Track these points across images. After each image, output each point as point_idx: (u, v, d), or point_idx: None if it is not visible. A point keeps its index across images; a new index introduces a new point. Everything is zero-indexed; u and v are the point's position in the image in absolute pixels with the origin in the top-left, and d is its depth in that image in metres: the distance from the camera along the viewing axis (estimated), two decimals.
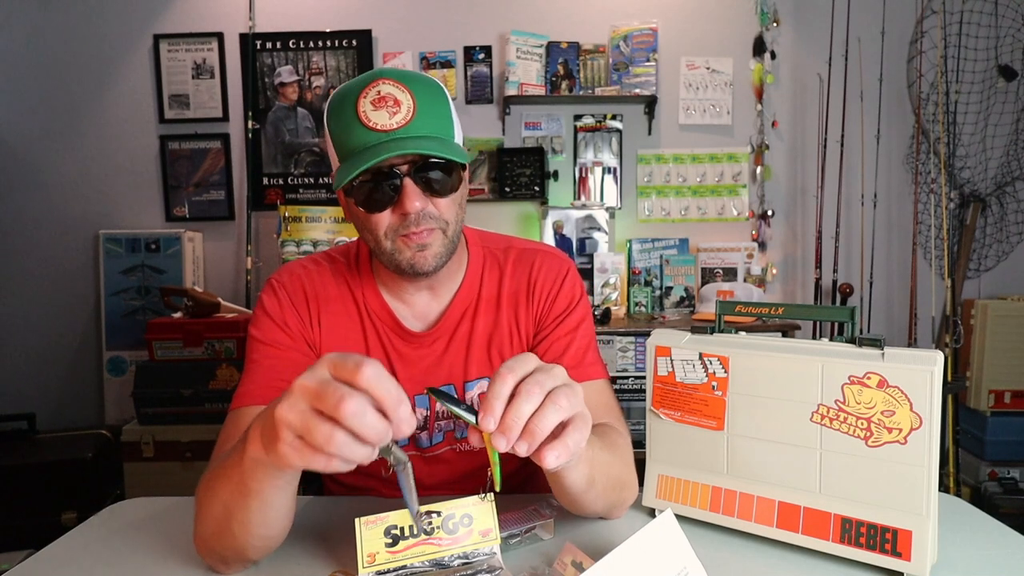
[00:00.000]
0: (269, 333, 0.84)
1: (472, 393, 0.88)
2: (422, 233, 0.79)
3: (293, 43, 2.69)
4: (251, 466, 0.58)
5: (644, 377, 1.79)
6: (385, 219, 0.79)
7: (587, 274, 2.58)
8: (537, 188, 2.65)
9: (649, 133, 2.74)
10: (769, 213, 2.71)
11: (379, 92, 0.76)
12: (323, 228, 2.48)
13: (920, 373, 0.63)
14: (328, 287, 0.89)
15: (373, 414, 0.49)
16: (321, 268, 0.91)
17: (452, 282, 0.90)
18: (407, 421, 0.50)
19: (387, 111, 0.76)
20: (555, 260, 0.94)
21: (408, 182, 0.77)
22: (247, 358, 0.84)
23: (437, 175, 0.78)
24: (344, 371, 0.50)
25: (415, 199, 0.77)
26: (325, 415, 0.49)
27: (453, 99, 2.66)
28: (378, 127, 0.75)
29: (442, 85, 0.82)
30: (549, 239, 2.60)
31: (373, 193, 0.78)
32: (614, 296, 2.61)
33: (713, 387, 0.75)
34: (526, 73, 2.62)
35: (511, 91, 2.60)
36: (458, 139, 0.82)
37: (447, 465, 0.90)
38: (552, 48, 2.64)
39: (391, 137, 0.75)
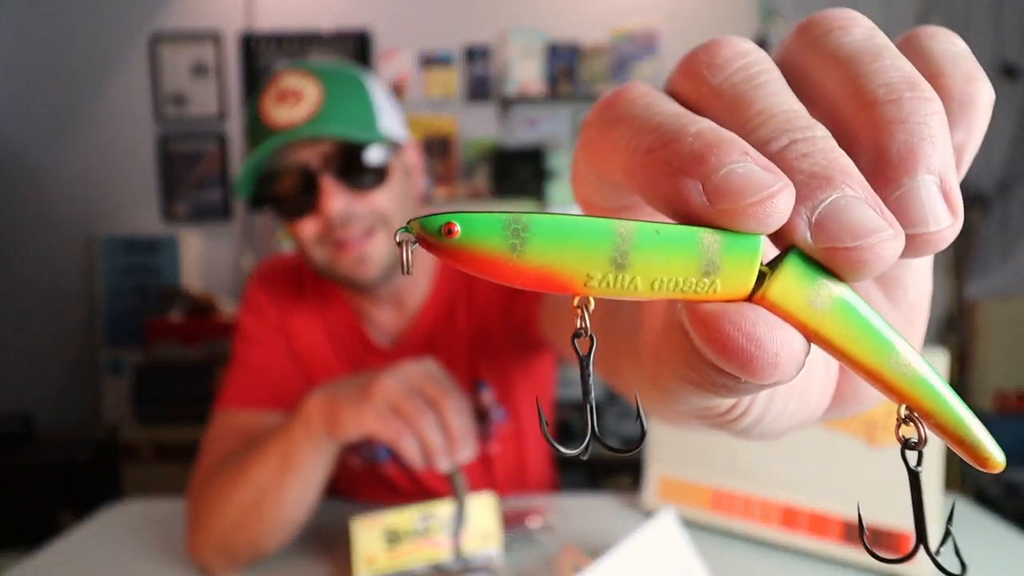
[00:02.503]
0: (251, 327, 0.84)
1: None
2: (356, 243, 0.70)
3: (291, 42, 2.69)
4: (302, 437, 0.63)
5: None
6: (309, 226, 0.70)
7: None
8: (536, 188, 2.65)
9: None
10: None
11: (281, 86, 0.70)
12: None
13: None
14: (305, 289, 0.86)
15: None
16: (300, 269, 0.87)
17: (418, 289, 0.82)
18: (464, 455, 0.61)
19: (288, 105, 0.68)
20: None
21: (325, 179, 0.68)
22: (234, 350, 0.84)
23: (359, 166, 0.69)
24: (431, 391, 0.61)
25: (335, 198, 0.68)
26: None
27: (450, 97, 2.66)
28: (279, 123, 0.68)
29: (362, 75, 0.75)
30: None
31: (288, 198, 0.70)
32: None
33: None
34: (526, 72, 2.62)
35: (511, 90, 2.60)
36: (387, 127, 0.73)
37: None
38: (552, 47, 2.64)
39: (292, 133, 0.67)
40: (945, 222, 0.14)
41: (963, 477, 2.39)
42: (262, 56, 2.69)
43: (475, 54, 2.68)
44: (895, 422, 0.15)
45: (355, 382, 0.63)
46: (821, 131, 0.15)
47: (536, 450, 0.90)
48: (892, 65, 0.15)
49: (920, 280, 0.20)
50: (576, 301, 0.15)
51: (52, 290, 2.74)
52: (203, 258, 2.77)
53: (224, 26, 2.69)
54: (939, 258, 2.56)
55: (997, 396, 2.37)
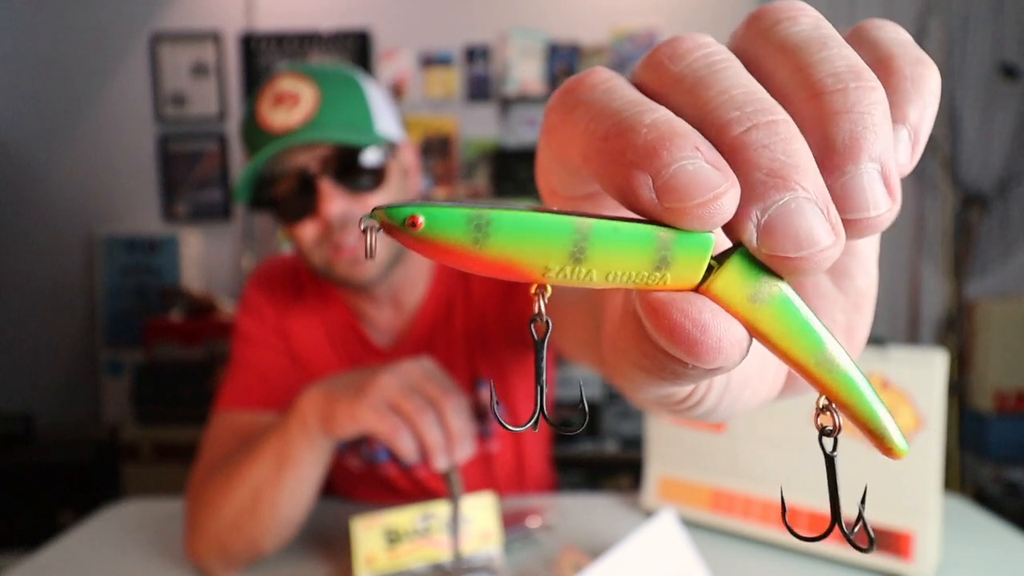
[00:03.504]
0: (250, 327, 0.83)
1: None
2: (354, 245, 0.70)
3: (291, 42, 2.69)
4: (297, 434, 0.62)
5: None
6: (308, 229, 0.70)
7: None
8: (536, 188, 2.64)
9: None
10: None
11: (277, 89, 0.70)
12: None
13: (923, 373, 0.62)
14: (304, 289, 0.86)
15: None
16: (299, 269, 0.87)
17: (416, 289, 0.83)
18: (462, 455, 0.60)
19: (285, 109, 0.68)
20: None
21: (323, 183, 0.68)
22: (232, 351, 0.84)
23: (357, 168, 0.69)
24: (431, 391, 0.60)
25: (334, 201, 0.68)
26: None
27: (450, 97, 2.65)
28: (276, 127, 0.68)
29: (358, 77, 0.75)
30: None
31: (287, 202, 0.70)
32: None
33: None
34: (526, 72, 2.62)
35: (511, 90, 2.60)
36: (384, 129, 0.73)
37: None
38: (552, 47, 2.64)
39: (290, 137, 0.67)
40: (884, 206, 0.15)
41: (963, 477, 2.39)
42: (262, 56, 2.69)
43: (475, 54, 2.68)
44: (815, 411, 0.16)
45: (351, 379, 0.63)
46: (782, 115, 0.15)
47: (535, 448, 0.90)
48: (838, 55, 0.16)
49: (868, 267, 0.21)
50: (533, 288, 0.16)
51: (52, 290, 2.74)
52: (203, 258, 2.77)
53: (224, 26, 2.69)
54: (939, 258, 2.56)
55: (997, 396, 2.37)
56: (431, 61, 2.67)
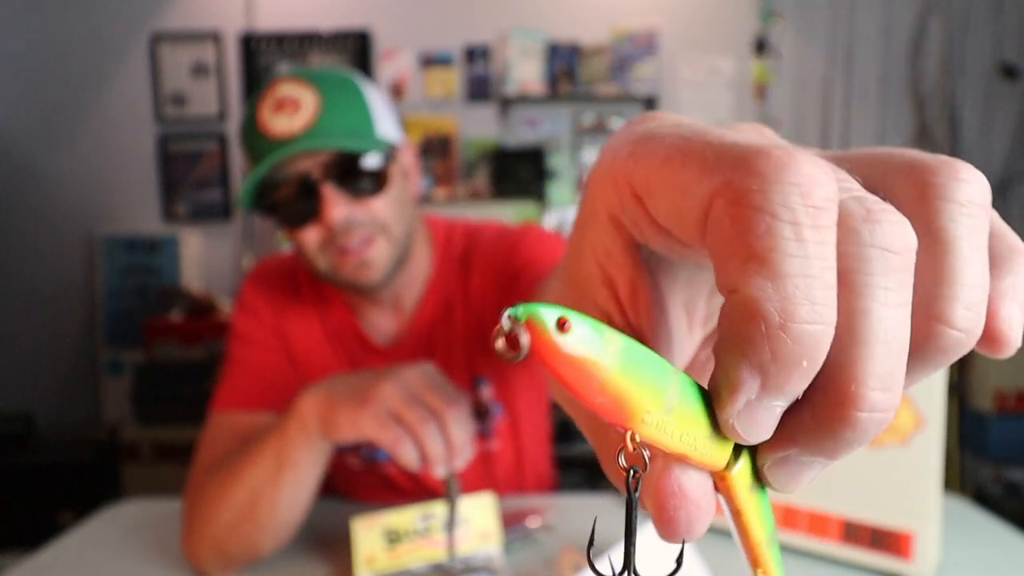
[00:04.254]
0: (247, 328, 0.83)
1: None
2: (358, 249, 0.71)
3: (291, 42, 2.69)
4: (296, 435, 0.62)
5: None
6: (311, 235, 0.71)
7: None
8: (536, 188, 2.65)
9: None
10: None
11: (278, 95, 0.70)
12: None
13: None
14: (302, 290, 0.86)
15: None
16: (296, 270, 0.87)
17: (415, 289, 0.83)
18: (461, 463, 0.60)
19: (286, 115, 0.68)
20: (506, 234, 0.85)
21: (326, 188, 0.68)
22: (228, 352, 0.83)
23: (359, 173, 0.70)
24: (434, 402, 0.60)
25: (337, 206, 0.68)
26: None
27: (450, 97, 2.65)
28: (277, 133, 0.68)
29: (358, 80, 0.75)
30: None
31: (289, 208, 0.70)
32: None
33: None
34: (526, 72, 2.62)
35: (511, 90, 2.60)
36: (385, 133, 0.74)
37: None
38: (552, 47, 2.64)
39: (293, 143, 0.67)
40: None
41: (963, 477, 2.39)
42: (262, 56, 2.69)
43: (475, 54, 2.68)
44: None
45: (351, 382, 0.62)
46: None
47: (534, 446, 0.90)
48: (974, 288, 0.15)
49: None
50: (628, 437, 0.15)
51: (52, 290, 2.74)
52: (203, 258, 2.77)
53: (224, 26, 2.69)
54: None
55: (997, 396, 2.37)
56: (431, 61, 2.67)
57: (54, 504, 2.13)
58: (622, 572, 0.17)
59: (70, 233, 2.73)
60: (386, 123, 0.75)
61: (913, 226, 0.14)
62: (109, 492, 2.23)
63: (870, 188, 0.15)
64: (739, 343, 0.14)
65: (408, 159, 0.79)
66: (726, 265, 0.14)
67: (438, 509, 0.64)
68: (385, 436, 0.58)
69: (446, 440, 0.59)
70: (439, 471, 0.59)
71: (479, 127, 2.73)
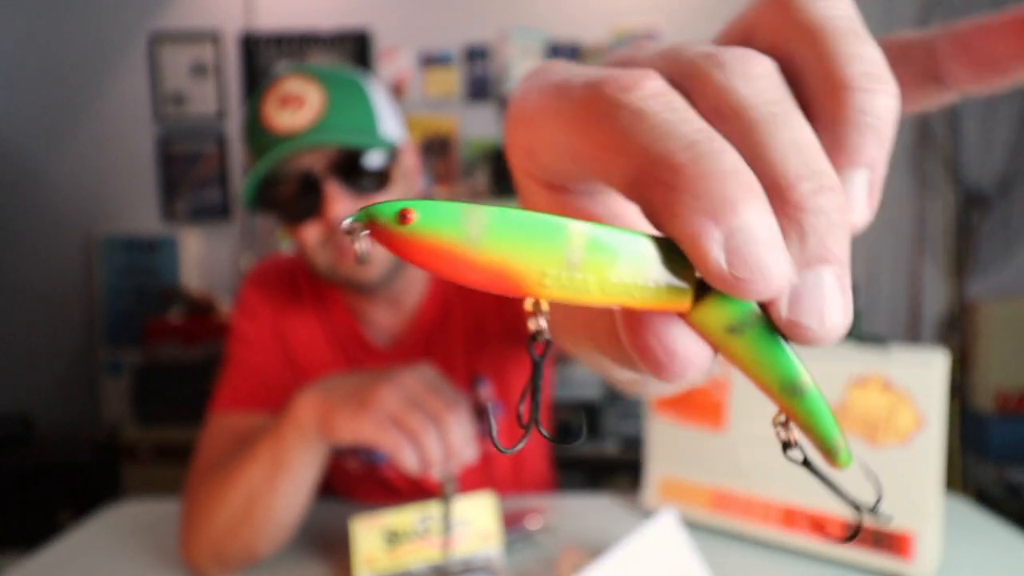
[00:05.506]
0: (246, 329, 0.83)
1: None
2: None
3: (291, 42, 2.69)
4: (292, 437, 0.62)
5: None
6: (312, 231, 0.71)
7: None
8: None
9: None
10: None
11: (283, 91, 0.69)
12: None
13: (924, 373, 0.62)
14: (301, 290, 0.85)
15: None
16: (296, 270, 0.87)
17: (415, 289, 0.83)
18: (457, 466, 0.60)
19: (290, 111, 0.68)
20: None
21: (329, 185, 0.68)
22: (227, 353, 0.84)
23: (362, 171, 0.69)
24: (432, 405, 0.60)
25: (339, 203, 0.68)
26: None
27: (450, 97, 2.65)
28: (281, 129, 0.67)
29: (362, 79, 0.75)
30: None
31: (291, 203, 0.70)
32: None
33: (714, 387, 0.74)
34: (526, 72, 2.61)
35: (511, 90, 2.59)
36: (388, 132, 0.73)
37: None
38: (552, 47, 2.63)
39: (297, 139, 0.67)
40: (864, 216, 0.16)
41: (964, 477, 2.39)
42: (262, 56, 2.69)
43: (475, 54, 2.68)
44: (776, 426, 0.17)
45: (348, 384, 0.62)
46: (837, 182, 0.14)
47: (534, 447, 0.90)
48: (870, 53, 0.15)
49: None
50: (529, 304, 0.15)
51: (52, 290, 2.74)
52: (203, 258, 2.76)
53: (224, 26, 2.69)
54: (940, 258, 2.56)
55: (997, 396, 2.37)
56: (431, 61, 2.67)
57: (54, 504, 2.13)
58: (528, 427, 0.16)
59: (69, 233, 2.73)
60: (390, 122, 0.75)
61: (785, 49, 0.16)
62: (109, 492, 2.23)
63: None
64: (679, 196, 0.14)
65: (410, 159, 0.79)
66: (637, 179, 0.15)
67: (438, 510, 0.64)
68: (385, 441, 0.58)
69: (445, 444, 0.59)
70: (437, 474, 0.59)
71: (479, 127, 2.73)
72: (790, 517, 0.69)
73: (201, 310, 2.41)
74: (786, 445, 0.17)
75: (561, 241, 0.14)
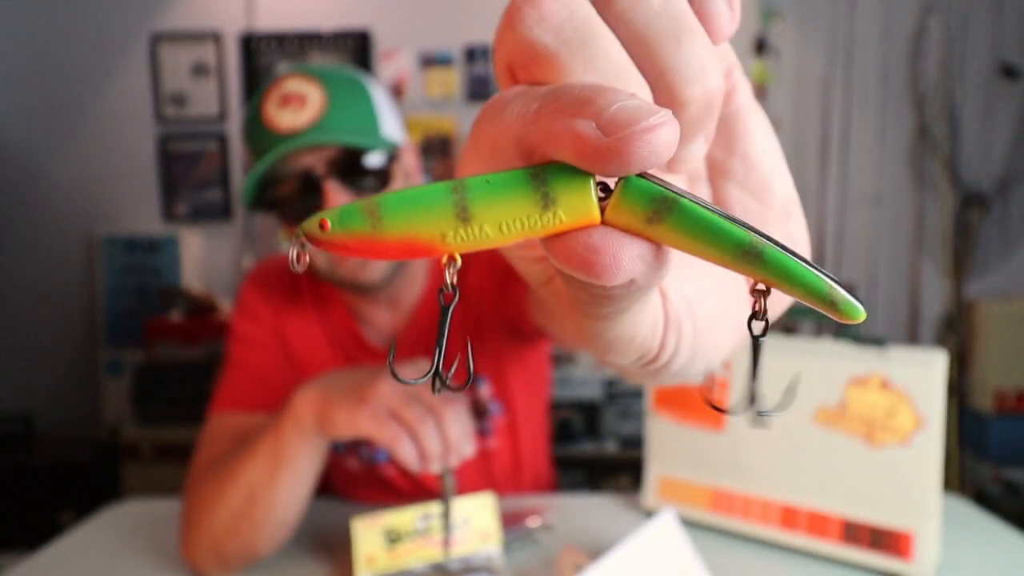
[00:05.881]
0: (246, 329, 0.83)
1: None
2: None
3: (291, 42, 2.69)
4: (292, 433, 0.62)
5: None
6: None
7: None
8: None
9: None
10: None
11: (284, 90, 0.70)
12: None
13: (923, 373, 0.62)
14: (300, 290, 0.86)
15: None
16: (295, 273, 0.87)
17: (413, 289, 0.83)
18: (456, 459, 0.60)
19: (292, 110, 0.68)
20: None
21: (329, 185, 0.68)
22: (227, 353, 0.84)
23: (363, 171, 0.70)
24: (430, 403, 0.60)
25: (338, 203, 0.67)
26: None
27: (450, 98, 2.66)
28: (282, 128, 0.68)
29: (364, 79, 0.75)
30: None
31: (291, 202, 0.70)
32: None
33: (714, 388, 0.74)
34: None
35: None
36: (389, 132, 0.74)
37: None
38: None
39: (297, 138, 0.67)
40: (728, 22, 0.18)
41: (963, 477, 2.39)
42: (262, 56, 2.69)
43: (475, 54, 2.68)
44: (750, 294, 0.16)
45: (347, 379, 0.62)
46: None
47: (532, 444, 0.91)
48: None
49: (782, 174, 0.23)
50: (444, 260, 0.17)
51: (52, 290, 2.74)
52: (203, 258, 2.77)
53: (224, 26, 2.69)
54: (939, 258, 2.56)
55: (997, 396, 2.37)
56: (431, 61, 2.67)
57: (54, 504, 2.13)
58: (432, 374, 0.19)
59: (70, 233, 2.73)
60: (390, 123, 0.75)
61: None
62: (109, 492, 2.23)
63: None
64: (549, 121, 0.15)
65: (411, 160, 0.79)
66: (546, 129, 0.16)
67: (438, 509, 0.64)
68: (383, 434, 0.58)
69: (443, 438, 0.59)
70: (435, 468, 0.59)
71: None
72: (789, 517, 0.69)
73: (202, 310, 2.41)
74: (753, 316, 0.17)
75: (446, 201, 0.16)
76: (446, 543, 0.63)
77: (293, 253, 0.17)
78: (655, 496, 0.78)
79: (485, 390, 0.84)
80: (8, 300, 2.76)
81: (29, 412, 2.39)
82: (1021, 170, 2.62)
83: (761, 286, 0.16)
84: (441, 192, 0.16)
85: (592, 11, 0.17)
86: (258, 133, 0.70)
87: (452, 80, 2.68)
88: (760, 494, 0.71)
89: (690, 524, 0.74)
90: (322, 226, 0.16)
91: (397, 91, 2.65)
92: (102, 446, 2.27)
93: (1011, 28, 2.62)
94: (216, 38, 2.69)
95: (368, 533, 0.63)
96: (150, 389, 2.28)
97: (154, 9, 2.69)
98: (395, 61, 2.67)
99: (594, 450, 2.26)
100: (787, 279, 0.15)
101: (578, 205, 0.15)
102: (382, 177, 0.72)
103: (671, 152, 0.14)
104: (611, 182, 0.16)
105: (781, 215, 0.23)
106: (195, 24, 2.69)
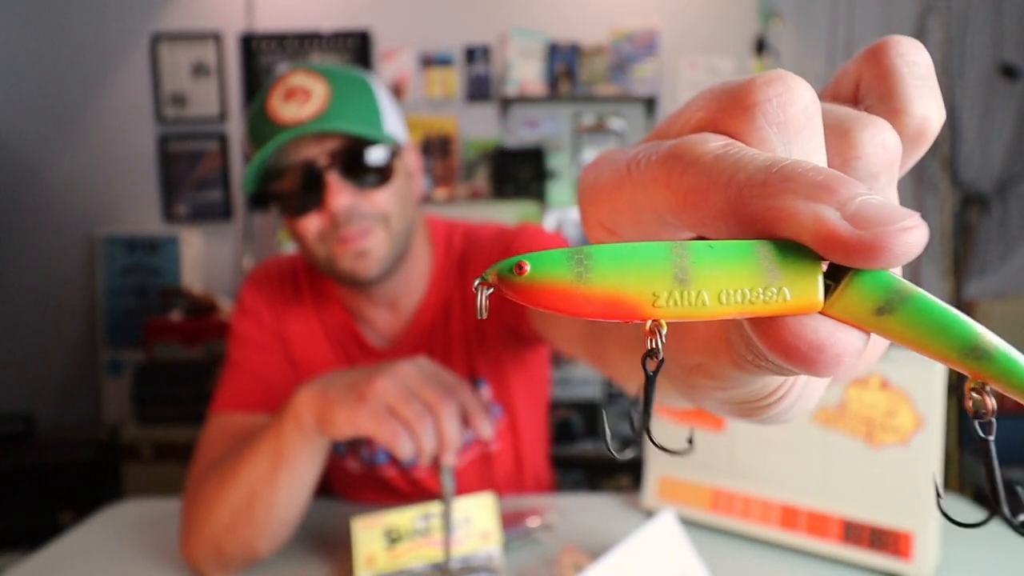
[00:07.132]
0: (247, 330, 0.83)
1: None
2: (358, 237, 0.71)
3: (291, 42, 2.69)
4: (292, 433, 0.62)
5: None
6: (312, 223, 0.71)
7: None
8: (536, 188, 2.65)
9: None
10: None
11: (289, 84, 0.70)
12: None
13: (923, 373, 0.62)
14: (301, 291, 0.86)
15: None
16: (296, 270, 0.87)
17: (413, 291, 0.83)
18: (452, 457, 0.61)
19: (296, 103, 0.68)
20: (502, 234, 0.85)
21: (331, 176, 0.68)
22: (228, 354, 0.83)
23: (364, 165, 0.70)
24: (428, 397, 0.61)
25: (341, 195, 0.68)
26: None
27: (450, 97, 2.66)
28: (286, 120, 0.68)
29: (368, 77, 0.76)
30: None
31: (293, 194, 0.70)
32: None
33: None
34: (526, 72, 2.62)
35: (511, 90, 2.60)
36: (391, 129, 0.74)
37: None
38: (552, 47, 2.64)
39: (301, 129, 0.68)
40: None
41: (963, 477, 2.39)
42: (262, 56, 2.69)
43: (475, 54, 2.68)
44: (967, 393, 0.16)
45: (346, 378, 0.62)
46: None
47: (532, 446, 0.91)
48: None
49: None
50: (648, 325, 0.15)
51: (52, 290, 2.74)
52: (203, 258, 2.77)
53: (224, 26, 2.69)
54: (939, 258, 2.56)
55: (997, 396, 2.37)
56: (431, 61, 2.67)
57: (54, 504, 2.13)
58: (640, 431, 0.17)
59: (70, 233, 2.73)
60: (393, 121, 0.76)
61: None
62: (109, 492, 2.23)
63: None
64: (776, 196, 0.15)
65: (412, 160, 0.80)
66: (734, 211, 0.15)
67: (438, 509, 0.64)
68: (382, 432, 0.58)
69: (439, 436, 0.59)
70: (426, 462, 0.60)
71: (479, 127, 2.73)
72: (789, 517, 0.69)
73: (202, 310, 2.41)
74: (976, 415, 0.16)
75: (665, 261, 0.15)
76: (446, 543, 0.63)
77: (481, 299, 0.16)
78: (655, 496, 0.78)
79: (485, 393, 0.84)
80: (8, 300, 2.76)
81: (29, 412, 2.39)
82: (1021, 170, 2.62)
83: (976, 383, 0.16)
84: (661, 250, 0.15)
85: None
86: (261, 125, 0.70)
87: (452, 80, 2.68)
88: (760, 494, 0.71)
89: (690, 524, 0.74)
90: (519, 268, 0.15)
91: (397, 91, 2.65)
92: (102, 446, 2.27)
93: (1011, 28, 2.62)
94: (216, 38, 2.69)
95: (368, 533, 0.63)
96: (150, 389, 2.28)
97: (154, 9, 2.69)
98: (395, 61, 2.67)
99: (594, 450, 2.26)
100: (1010, 380, 0.15)
101: (805, 288, 0.15)
102: (384, 174, 0.72)
103: (918, 253, 0.14)
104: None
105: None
106: (195, 24, 2.70)
